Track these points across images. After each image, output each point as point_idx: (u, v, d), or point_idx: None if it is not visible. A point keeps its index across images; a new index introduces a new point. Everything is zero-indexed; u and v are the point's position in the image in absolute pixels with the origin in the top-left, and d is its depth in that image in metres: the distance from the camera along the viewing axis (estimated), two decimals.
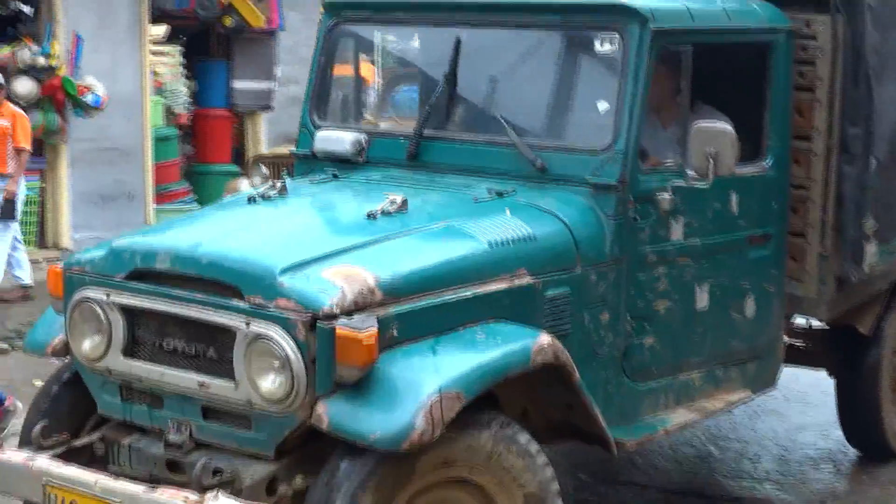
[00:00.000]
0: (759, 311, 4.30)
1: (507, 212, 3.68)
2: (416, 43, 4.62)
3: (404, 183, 4.07)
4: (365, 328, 3.03)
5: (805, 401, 5.98)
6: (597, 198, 3.74)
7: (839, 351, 5.06)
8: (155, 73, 10.48)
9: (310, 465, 3.20)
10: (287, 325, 3.05)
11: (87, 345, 3.42)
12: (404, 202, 3.62)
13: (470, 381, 3.14)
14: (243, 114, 11.51)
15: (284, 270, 3.17)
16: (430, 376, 3.14)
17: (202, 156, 11.21)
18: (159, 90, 10.57)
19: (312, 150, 4.38)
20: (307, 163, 4.44)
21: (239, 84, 11.03)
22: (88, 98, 9.13)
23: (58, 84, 8.98)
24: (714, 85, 4.33)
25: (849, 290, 4.55)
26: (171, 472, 3.29)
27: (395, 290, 3.25)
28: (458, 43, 4.13)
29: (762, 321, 4.34)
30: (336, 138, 4.36)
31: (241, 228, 3.63)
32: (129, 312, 3.35)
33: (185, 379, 3.26)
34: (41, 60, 8.92)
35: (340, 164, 4.31)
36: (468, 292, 3.39)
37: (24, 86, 8.79)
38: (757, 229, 4.25)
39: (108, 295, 3.35)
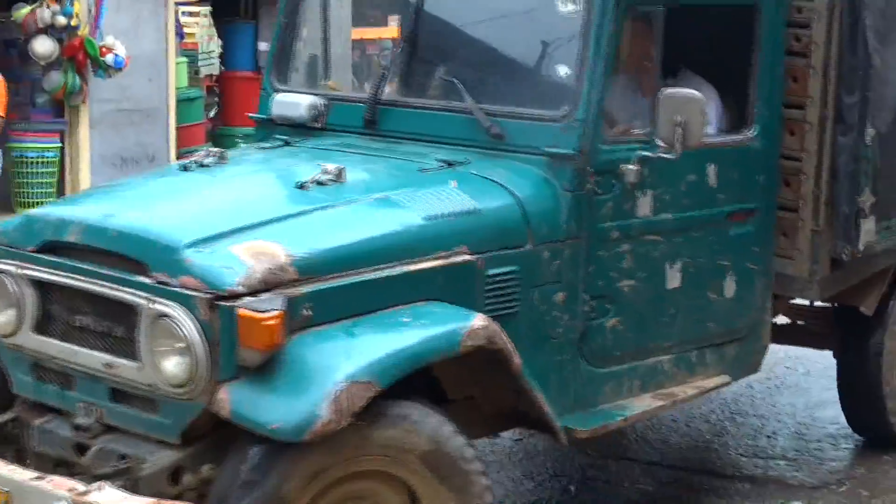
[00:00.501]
0: (739, 292, 3.97)
1: (453, 184, 3.38)
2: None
3: (357, 151, 3.80)
4: (268, 309, 2.79)
5: (828, 375, 5.50)
6: (554, 169, 3.42)
7: (842, 331, 4.72)
8: (187, 35, 10.27)
9: (220, 454, 2.92)
10: (189, 305, 2.80)
11: (1, 319, 3.20)
12: (341, 172, 3.33)
13: (384, 369, 2.89)
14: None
15: (191, 245, 2.91)
16: (340, 362, 2.89)
17: (228, 118, 10.83)
18: (190, 52, 10.38)
19: (271, 114, 4.10)
20: (266, 129, 4.16)
21: (266, 46, 10.65)
22: (110, 59, 8.93)
23: (79, 45, 8.73)
24: (700, 50, 4.04)
25: (845, 270, 4.19)
26: (81, 456, 3.04)
27: (312, 268, 2.99)
28: (420, 2, 3.84)
29: (743, 302, 4.01)
30: (292, 102, 4.08)
31: (160, 199, 3.38)
32: (40, 287, 3.12)
33: (94, 359, 3.03)
34: (62, 20, 8.71)
35: (301, 131, 4.03)
36: (397, 271, 3.13)
37: (44, 46, 8.56)
38: (739, 204, 3.92)
39: (18, 268, 3.11)
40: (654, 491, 4.61)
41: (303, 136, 4.01)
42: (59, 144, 9.02)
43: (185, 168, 3.59)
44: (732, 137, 3.94)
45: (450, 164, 3.50)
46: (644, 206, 3.63)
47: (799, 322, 4.91)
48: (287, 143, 3.99)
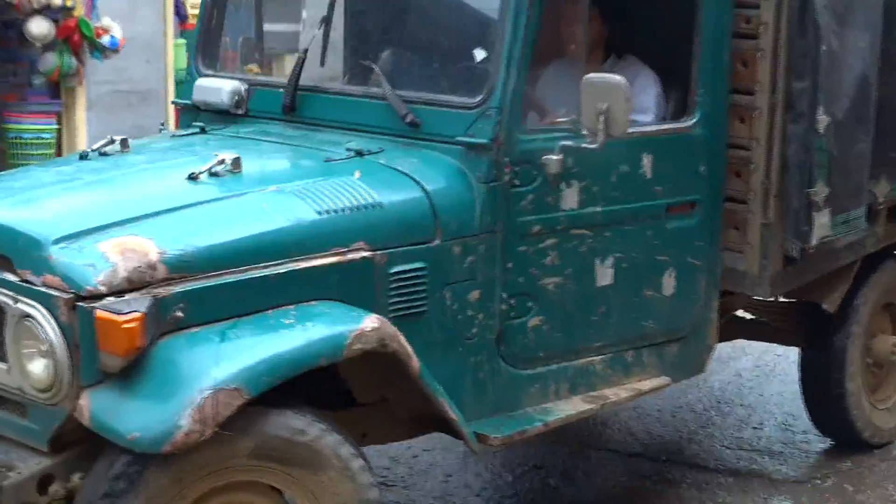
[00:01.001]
0: (680, 289, 3.69)
1: (357, 175, 3.11)
2: None
3: (270, 139, 3.56)
4: (128, 311, 2.56)
5: None
6: (469, 160, 3.15)
7: (806, 328, 4.43)
8: (189, 17, 10.07)
9: (92, 463, 2.68)
10: (50, 305, 2.59)
11: None
12: (236, 162, 3.07)
13: (257, 374, 2.67)
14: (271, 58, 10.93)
15: (57, 241, 2.68)
16: (208, 368, 2.67)
17: None
18: (191, 34, 10.19)
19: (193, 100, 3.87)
20: (190, 114, 3.92)
21: (266, 27, 10.48)
22: (105, 40, 8.78)
23: (74, 26, 8.57)
24: (648, 35, 3.80)
25: (800, 265, 3.87)
26: None
27: (186, 266, 2.75)
28: None
29: (685, 299, 3.72)
30: (214, 88, 3.83)
31: (41, 190, 3.13)
32: None
33: None
34: (57, 1, 8.58)
35: (223, 117, 3.78)
36: (284, 269, 2.89)
37: (39, 26, 8.39)
38: (680, 196, 3.62)
39: None
40: (635, 485, 4.44)
41: (224, 123, 3.77)
42: (56, 126, 8.85)
43: (83, 157, 3.36)
44: (671, 126, 3.65)
45: (360, 153, 3.24)
46: (570, 198, 3.34)
47: (762, 318, 4.60)
48: (203, 131, 3.75)
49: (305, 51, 3.63)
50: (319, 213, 2.97)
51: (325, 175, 3.12)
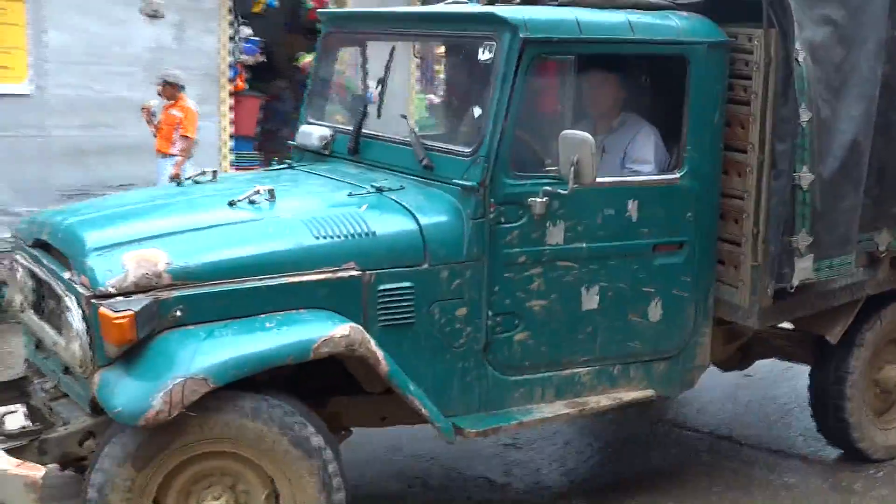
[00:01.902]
0: (667, 316, 3.87)
1: (364, 207, 3.49)
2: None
3: (329, 175, 3.99)
4: (121, 310, 2.97)
5: None
6: (463, 199, 3.48)
7: (816, 353, 4.56)
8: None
9: None
10: (79, 300, 3.08)
11: (17, 299, 3.67)
12: (272, 193, 3.52)
13: (224, 368, 3.00)
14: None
15: (94, 249, 3.19)
16: (184, 359, 3.01)
17: None
18: None
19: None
20: (297, 154, 4.44)
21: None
22: None
23: None
24: (646, 94, 4.03)
25: (791, 302, 3.99)
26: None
27: (188, 275, 3.14)
28: (392, 51, 4.06)
29: (671, 325, 3.90)
30: (308, 132, 4.36)
31: (118, 209, 3.66)
32: (31, 274, 3.53)
33: (50, 336, 3.38)
34: None
35: (317, 156, 4.29)
36: (276, 282, 3.22)
37: None
38: (667, 238, 3.81)
39: (22, 258, 3.59)
40: (716, 461, 4.73)
41: (315, 161, 4.26)
42: None
43: (178, 184, 3.97)
44: (659, 177, 3.85)
45: (380, 189, 3.61)
46: (556, 234, 3.59)
47: (779, 342, 4.76)
48: (291, 167, 4.25)
49: (366, 105, 4.09)
50: (317, 237, 3.32)
51: (340, 206, 3.50)
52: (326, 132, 4.29)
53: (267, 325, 3.16)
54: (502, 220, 3.51)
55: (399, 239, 3.43)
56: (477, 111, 3.65)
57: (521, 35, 3.41)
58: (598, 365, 3.83)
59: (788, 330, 4.66)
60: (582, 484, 4.56)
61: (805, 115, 3.67)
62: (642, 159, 3.92)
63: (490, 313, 3.55)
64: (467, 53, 3.92)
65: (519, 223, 3.54)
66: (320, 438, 3.18)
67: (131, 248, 3.19)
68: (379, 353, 3.23)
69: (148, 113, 8.23)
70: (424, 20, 4.19)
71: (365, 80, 4.32)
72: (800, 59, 3.64)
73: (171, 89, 8.12)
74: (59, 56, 8.70)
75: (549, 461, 4.78)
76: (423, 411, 3.37)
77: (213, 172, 3.96)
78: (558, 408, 3.75)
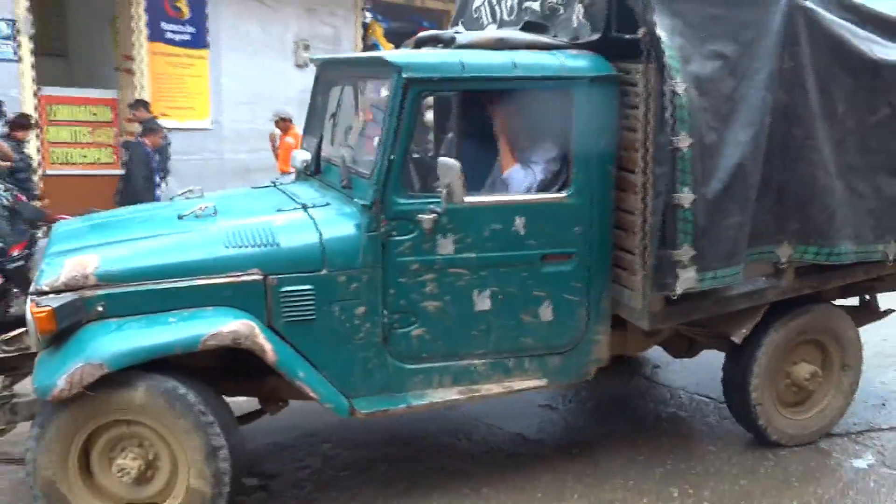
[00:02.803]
0: (558, 317, 4.05)
1: (279, 222, 3.83)
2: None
3: (287, 192, 4.34)
4: (42, 307, 3.37)
5: None
6: (363, 215, 3.77)
7: (729, 345, 4.63)
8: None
9: None
10: (30, 298, 3.49)
11: None
12: (214, 208, 3.94)
13: (118, 356, 3.34)
14: None
15: (50, 255, 3.70)
16: (89, 348, 3.37)
17: None
18: None
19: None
20: (300, 174, 4.84)
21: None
22: None
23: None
24: (538, 124, 4.18)
25: (684, 306, 4.11)
26: None
27: (111, 277, 3.51)
28: (341, 90, 4.45)
29: (562, 325, 4.07)
30: (297, 157, 4.75)
31: (102, 220, 4.22)
32: None
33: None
34: None
35: (302, 177, 4.75)
36: (187, 283, 3.55)
37: None
38: (556, 249, 3.98)
39: None
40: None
41: (298, 181, 4.68)
42: None
43: (172, 200, 4.53)
44: (547, 196, 3.99)
45: (305, 206, 3.93)
46: (446, 246, 3.81)
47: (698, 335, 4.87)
48: (273, 185, 4.64)
49: (323, 134, 4.45)
50: (227, 247, 3.66)
51: (261, 221, 3.83)
52: (307, 156, 4.68)
53: (171, 320, 3.49)
54: (394, 233, 3.77)
55: (300, 249, 3.73)
56: (377, 140, 3.89)
57: (404, 75, 3.67)
58: (493, 357, 4.02)
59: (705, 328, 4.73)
60: (601, 439, 4.87)
61: (686, 142, 3.77)
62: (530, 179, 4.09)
63: (387, 312, 3.82)
64: (377, 92, 4.20)
65: (411, 236, 3.78)
66: (208, 415, 3.50)
67: (75, 255, 3.64)
68: (266, 346, 3.54)
69: (272, 141, 10.25)
70: (352, 64, 4.57)
71: (328, 113, 4.66)
72: (679, 91, 3.73)
73: (284, 123, 9.94)
74: (231, 98, 11.20)
75: (579, 421, 5.17)
76: (312, 395, 3.69)
77: (201, 190, 4.43)
78: (451, 394, 3.97)
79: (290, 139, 9.61)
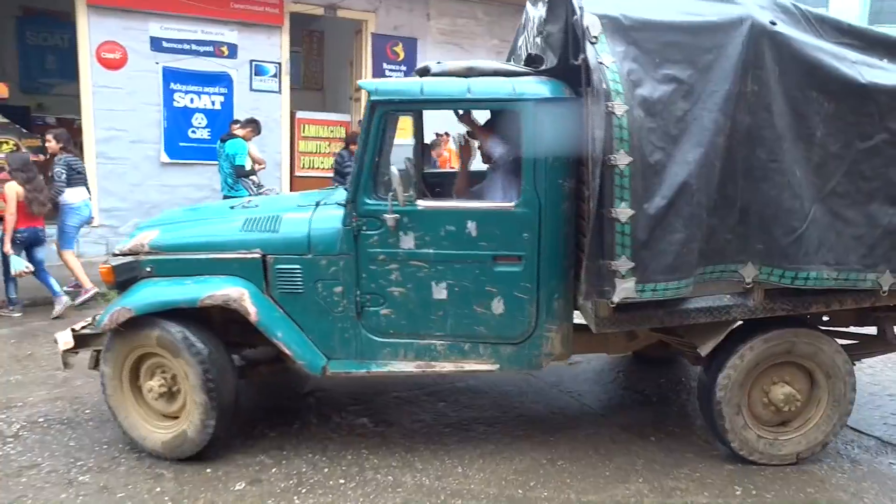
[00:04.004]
0: (508, 311, 4.15)
1: (287, 214, 4.35)
2: None
3: (323, 194, 4.81)
4: (107, 264, 4.26)
5: None
6: (343, 213, 4.19)
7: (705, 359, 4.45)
8: None
9: None
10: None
11: None
12: (257, 203, 4.58)
13: (142, 305, 4.06)
14: None
15: (134, 230, 4.53)
16: (128, 297, 4.11)
17: None
18: None
19: None
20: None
21: None
22: None
23: None
24: (502, 142, 4.40)
25: (634, 314, 4.06)
26: None
27: (159, 248, 4.27)
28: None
29: (513, 319, 4.17)
30: None
31: (190, 209, 5.03)
32: None
33: None
34: None
35: None
36: (209, 257, 4.20)
37: None
38: (506, 251, 4.10)
39: None
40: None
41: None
42: None
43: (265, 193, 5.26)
44: (496, 204, 4.13)
45: (317, 203, 4.38)
46: (408, 241, 4.10)
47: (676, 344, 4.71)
48: (335, 187, 5.21)
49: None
50: (241, 231, 4.25)
51: (280, 213, 4.35)
52: None
53: (187, 283, 4.16)
54: (364, 228, 4.14)
55: (292, 236, 4.24)
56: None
57: (372, 98, 4.06)
58: (451, 340, 4.20)
59: (679, 337, 4.60)
60: (684, 431, 4.91)
61: (624, 160, 3.72)
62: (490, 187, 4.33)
63: (360, 292, 4.19)
64: None
65: (378, 231, 4.14)
66: (205, 353, 4.08)
67: (147, 230, 4.46)
68: (251, 308, 4.07)
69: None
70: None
71: None
72: (617, 113, 3.71)
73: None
74: (428, 122, 12.00)
75: (668, 411, 5.20)
76: (287, 352, 4.15)
77: (275, 189, 5.16)
78: (410, 367, 4.22)
79: (445, 153, 10.16)
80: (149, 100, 10.06)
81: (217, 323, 4.37)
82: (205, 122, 10.35)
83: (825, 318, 4.83)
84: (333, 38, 13.72)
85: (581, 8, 3.83)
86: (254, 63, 10.62)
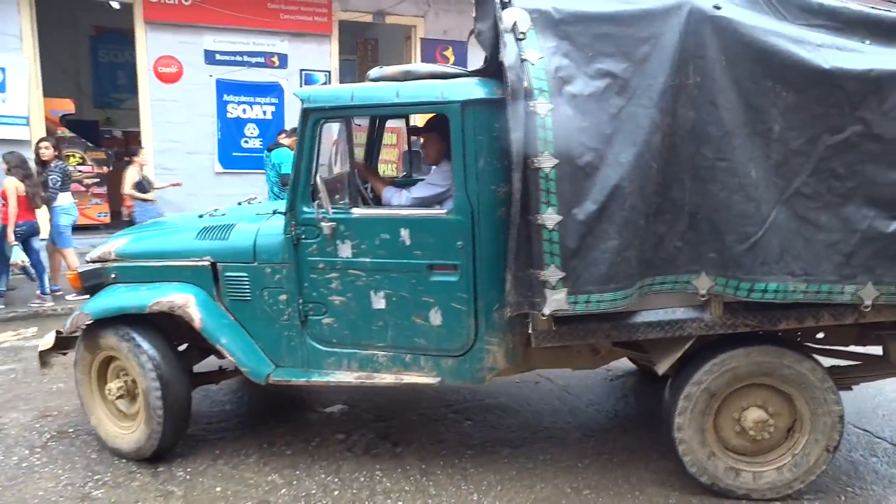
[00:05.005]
0: (446, 323, 4.00)
1: (240, 223, 4.43)
2: None
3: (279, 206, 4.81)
4: (75, 271, 4.45)
5: None
6: (285, 221, 4.18)
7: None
8: None
9: None
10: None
11: None
12: (223, 212, 4.70)
13: (97, 311, 4.25)
14: None
15: (109, 238, 4.71)
16: (89, 304, 4.30)
17: None
18: None
19: None
20: None
21: None
22: None
23: None
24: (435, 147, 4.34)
25: (575, 327, 3.82)
26: None
27: (123, 255, 4.47)
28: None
29: (451, 331, 4.00)
30: None
31: (169, 220, 5.22)
32: None
33: None
34: None
35: None
36: (164, 264, 4.35)
37: None
38: (441, 260, 3.96)
39: None
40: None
41: None
42: None
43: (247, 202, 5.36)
44: (428, 211, 4.01)
45: (274, 212, 4.44)
46: (345, 250, 4.03)
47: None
48: None
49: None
50: (195, 239, 4.33)
51: (235, 223, 4.44)
52: None
53: (141, 289, 4.30)
54: (304, 236, 4.10)
55: (240, 244, 4.30)
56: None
57: (304, 105, 4.01)
58: (392, 351, 4.08)
59: (644, 353, 4.28)
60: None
61: (549, 162, 3.52)
62: (418, 192, 4.22)
63: (303, 301, 4.16)
64: None
65: (316, 239, 4.08)
66: (156, 359, 4.22)
67: (120, 238, 4.66)
68: (195, 315, 4.13)
69: None
70: None
71: None
72: (540, 112, 3.51)
73: None
74: None
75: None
76: (231, 358, 4.17)
77: (257, 197, 5.26)
78: (349, 377, 4.12)
79: None
80: (203, 111, 10.47)
81: (187, 329, 4.42)
82: (257, 132, 10.67)
83: (819, 336, 4.43)
84: (386, 45, 13.85)
85: (508, 3, 3.66)
86: (304, 72, 10.87)
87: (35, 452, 4.63)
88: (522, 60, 3.55)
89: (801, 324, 3.84)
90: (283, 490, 4.14)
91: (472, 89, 3.87)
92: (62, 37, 12.42)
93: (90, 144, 10.54)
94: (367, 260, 4.07)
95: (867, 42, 3.68)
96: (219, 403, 5.38)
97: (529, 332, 3.88)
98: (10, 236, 7.51)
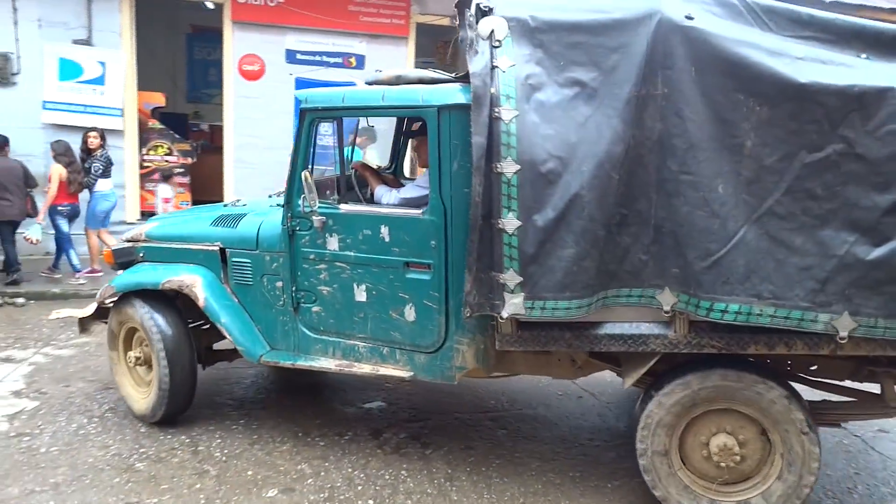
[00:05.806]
0: (419, 319, 4.11)
1: (251, 214, 4.75)
2: None
3: None
4: (109, 249, 4.91)
5: None
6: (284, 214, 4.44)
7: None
8: None
9: None
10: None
11: None
12: (244, 202, 5.08)
13: (122, 285, 4.67)
14: None
15: (142, 220, 5.26)
16: (116, 279, 4.72)
17: None
18: None
19: None
20: None
21: None
22: None
23: None
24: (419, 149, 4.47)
25: (538, 333, 3.84)
26: None
27: (151, 237, 4.87)
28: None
29: (424, 327, 4.11)
30: None
31: (198, 208, 5.58)
32: None
33: None
34: None
35: None
36: (183, 247, 4.74)
37: None
38: (416, 258, 4.09)
39: None
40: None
41: None
42: None
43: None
44: (405, 211, 4.12)
45: (280, 205, 4.65)
46: (333, 243, 4.23)
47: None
48: None
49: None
50: (210, 226, 4.69)
51: (248, 213, 4.75)
52: None
53: (159, 268, 4.72)
54: (298, 228, 4.33)
55: (246, 235, 4.61)
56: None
57: (301, 106, 4.27)
58: (372, 343, 4.24)
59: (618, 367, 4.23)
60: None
61: (511, 168, 3.56)
62: (401, 193, 4.36)
63: (295, 288, 4.39)
64: None
65: (309, 231, 4.31)
66: (167, 332, 4.60)
67: (151, 222, 5.11)
68: (200, 294, 4.47)
69: None
70: None
71: None
72: (504, 118, 3.55)
73: None
74: None
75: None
76: (228, 337, 4.46)
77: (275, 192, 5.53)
78: (331, 364, 4.33)
79: None
80: (282, 108, 11.02)
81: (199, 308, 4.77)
82: (331, 130, 11.15)
83: (812, 368, 4.24)
84: None
85: (489, 10, 3.73)
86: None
87: (93, 421, 4.96)
88: (493, 68, 3.60)
89: (771, 350, 3.68)
90: (310, 480, 4.27)
91: (451, 95, 3.97)
92: (162, 34, 13.32)
93: (177, 136, 11.29)
94: (352, 254, 4.25)
95: (863, 56, 3.51)
96: (264, 391, 5.65)
97: (496, 334, 3.92)
98: (41, 216, 8.32)
